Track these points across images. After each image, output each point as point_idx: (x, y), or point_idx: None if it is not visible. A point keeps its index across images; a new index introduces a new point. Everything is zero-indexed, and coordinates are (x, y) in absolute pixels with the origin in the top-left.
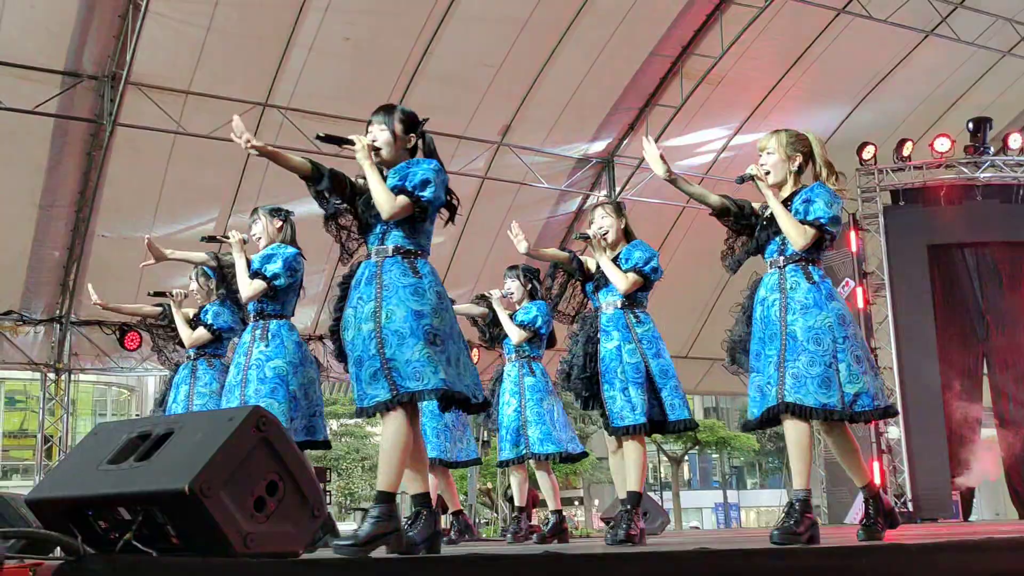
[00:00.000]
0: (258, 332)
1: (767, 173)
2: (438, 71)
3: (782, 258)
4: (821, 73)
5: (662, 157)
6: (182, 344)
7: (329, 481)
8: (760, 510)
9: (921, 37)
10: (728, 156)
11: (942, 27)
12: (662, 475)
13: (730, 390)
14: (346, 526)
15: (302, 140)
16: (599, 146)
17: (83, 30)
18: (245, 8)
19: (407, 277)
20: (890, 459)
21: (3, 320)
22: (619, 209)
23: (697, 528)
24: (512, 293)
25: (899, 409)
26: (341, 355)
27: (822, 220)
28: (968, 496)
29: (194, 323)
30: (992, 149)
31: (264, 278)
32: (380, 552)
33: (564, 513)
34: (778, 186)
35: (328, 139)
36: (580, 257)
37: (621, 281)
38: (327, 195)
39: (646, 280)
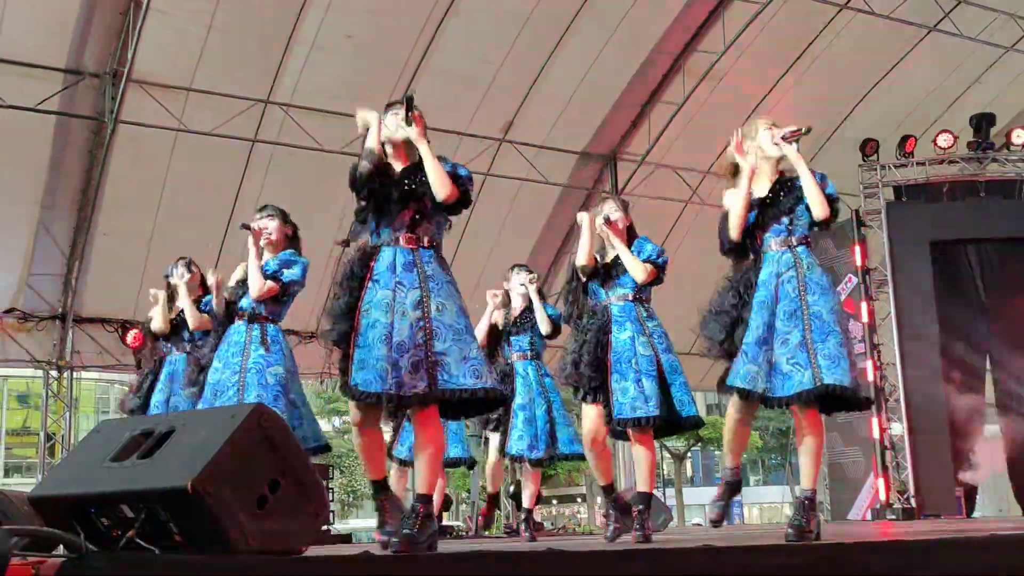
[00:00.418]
0: (255, 334)
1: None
2: (440, 68)
3: (793, 238)
4: (824, 69)
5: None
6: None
7: (331, 479)
8: (763, 506)
9: (924, 33)
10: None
11: (945, 23)
12: (665, 472)
13: None
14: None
15: (303, 138)
16: (602, 143)
17: (84, 28)
18: (246, 5)
19: (446, 273)
20: (893, 455)
21: (5, 318)
22: (626, 206)
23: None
24: (529, 292)
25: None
26: (342, 338)
27: (834, 197)
28: (971, 493)
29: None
30: (995, 145)
31: (280, 283)
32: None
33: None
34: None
35: (408, 104)
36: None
37: (640, 271)
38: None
39: (659, 272)
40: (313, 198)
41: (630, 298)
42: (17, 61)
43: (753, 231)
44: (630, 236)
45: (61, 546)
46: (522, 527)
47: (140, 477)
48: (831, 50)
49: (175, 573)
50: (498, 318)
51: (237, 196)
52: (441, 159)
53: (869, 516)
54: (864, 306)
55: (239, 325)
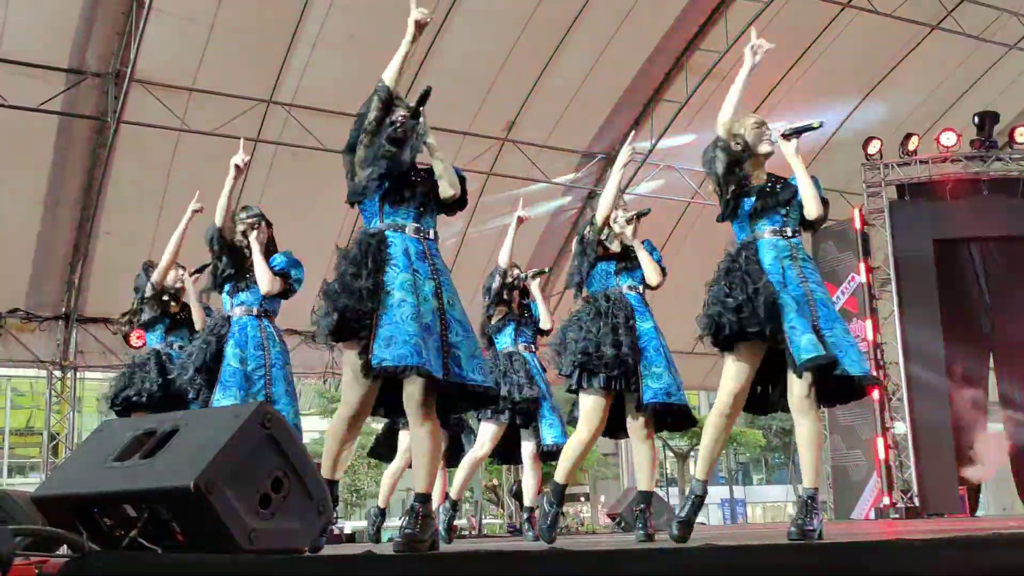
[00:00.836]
0: (269, 331)
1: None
2: (442, 67)
3: (789, 229)
4: (826, 68)
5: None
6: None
7: None
8: (766, 505)
9: (927, 31)
10: None
11: (948, 21)
12: (668, 471)
13: None
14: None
15: (306, 137)
16: (604, 141)
17: (87, 28)
18: (249, 5)
19: (447, 268)
20: (896, 454)
21: (9, 318)
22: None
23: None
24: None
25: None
26: (343, 323)
27: (825, 199)
28: (975, 491)
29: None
30: (998, 144)
31: (287, 280)
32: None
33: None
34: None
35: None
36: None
37: (657, 275)
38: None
39: (663, 279)
40: (315, 198)
41: (639, 291)
42: (20, 61)
43: (749, 219)
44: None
45: (64, 546)
46: (525, 526)
47: (143, 477)
48: (834, 48)
49: (178, 572)
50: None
51: (239, 196)
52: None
53: (872, 516)
54: (867, 305)
55: (249, 320)
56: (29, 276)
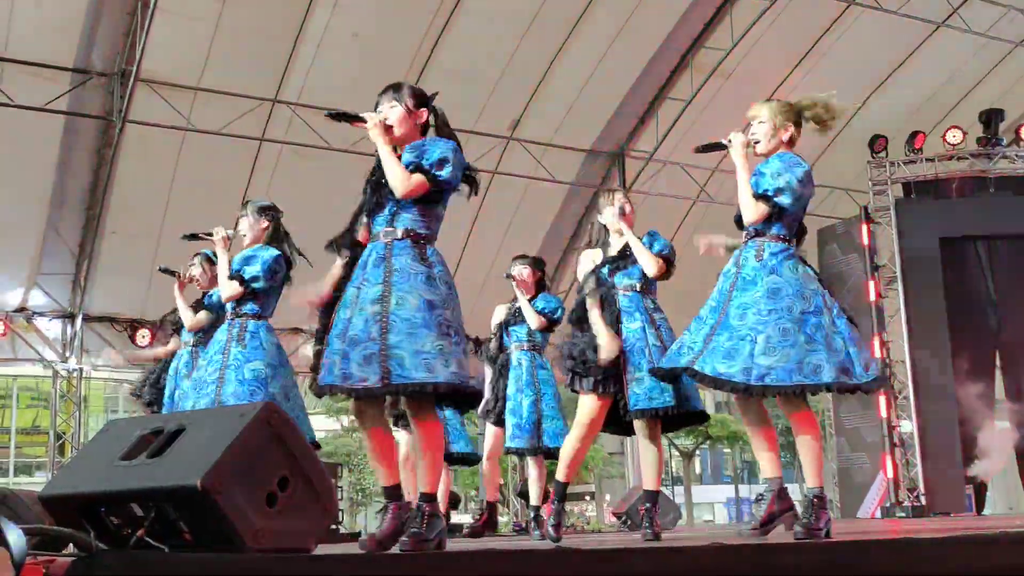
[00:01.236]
0: (235, 331)
1: (756, 142)
2: (447, 66)
3: (745, 235)
4: (832, 65)
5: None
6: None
7: (340, 477)
8: None
9: (932, 28)
10: None
11: (953, 18)
12: (673, 470)
13: None
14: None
15: (311, 136)
16: (609, 140)
17: (92, 27)
18: (254, 4)
19: (418, 264)
20: (902, 452)
21: (16, 317)
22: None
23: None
24: (525, 278)
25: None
26: (318, 338)
27: (768, 192)
28: (981, 490)
29: (196, 308)
30: (1005, 141)
31: (242, 280)
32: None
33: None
34: (766, 155)
35: (338, 117)
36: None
37: (652, 264)
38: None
39: (669, 267)
40: (321, 196)
41: (637, 288)
42: (26, 61)
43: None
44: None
45: (71, 545)
46: (531, 525)
47: (150, 476)
48: (839, 46)
49: (185, 571)
50: (501, 312)
51: (245, 195)
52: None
53: (879, 514)
54: (873, 302)
55: (224, 324)
56: (35, 276)
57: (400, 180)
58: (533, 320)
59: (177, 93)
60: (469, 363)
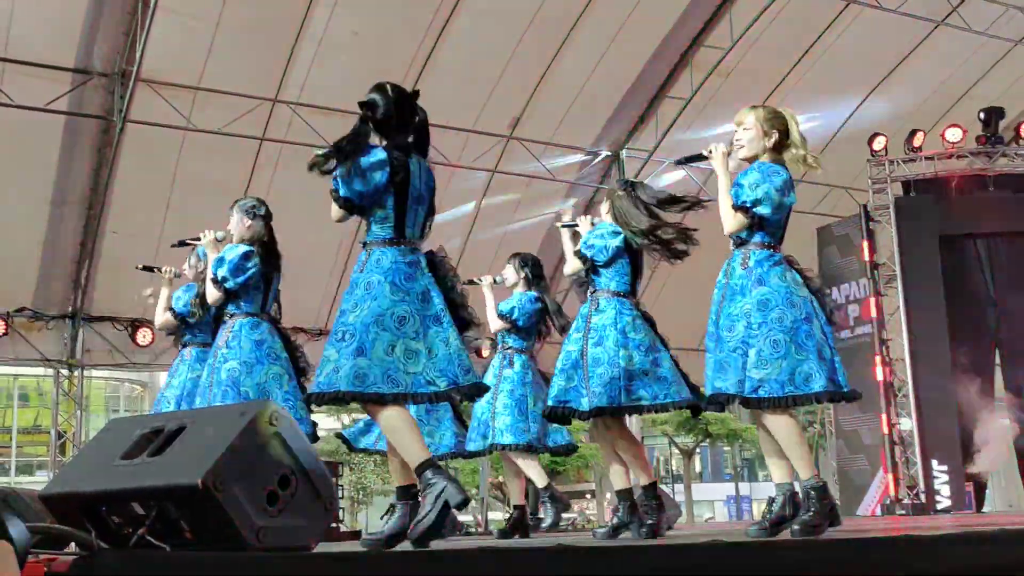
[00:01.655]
0: (223, 332)
1: (740, 147)
2: (447, 65)
3: (731, 244)
4: (831, 64)
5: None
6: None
7: (341, 475)
8: None
9: (932, 27)
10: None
11: (953, 17)
12: (673, 468)
13: None
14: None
15: (311, 136)
16: (609, 139)
17: (93, 27)
18: (254, 4)
19: (366, 272)
20: (902, 450)
21: (16, 317)
22: (608, 194)
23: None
24: (506, 280)
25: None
26: None
27: (746, 203)
28: (981, 487)
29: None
30: (1004, 139)
31: (215, 283)
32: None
33: (525, 508)
34: (751, 161)
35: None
36: None
37: (571, 264)
38: None
39: (587, 264)
40: (322, 196)
41: (596, 294)
42: (26, 61)
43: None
44: None
45: (73, 544)
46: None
47: (150, 474)
48: (839, 44)
49: (186, 570)
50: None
51: (246, 194)
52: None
53: (879, 512)
54: (873, 301)
55: (221, 326)
56: (36, 275)
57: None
58: (493, 322)
59: (177, 93)
60: (369, 361)
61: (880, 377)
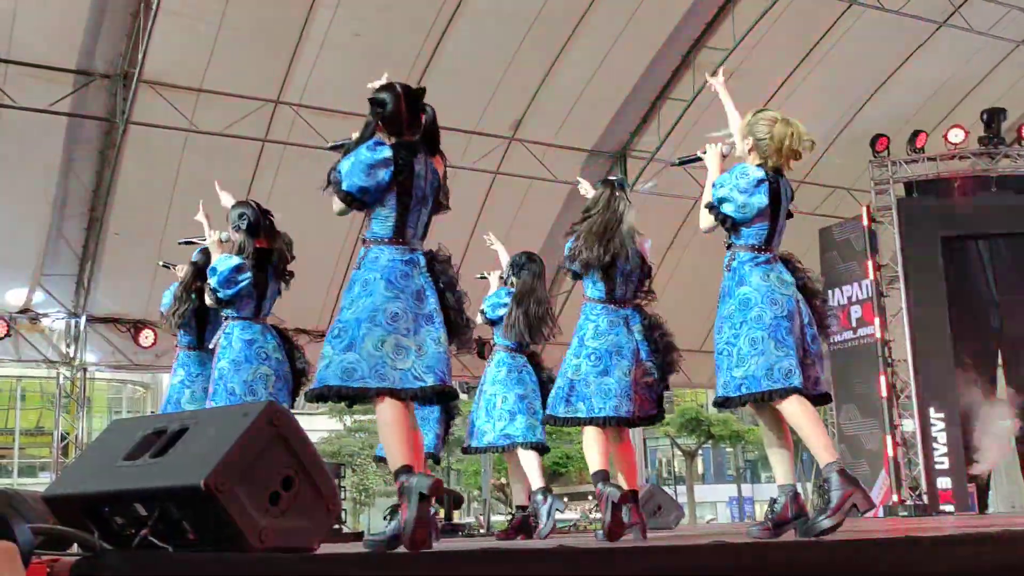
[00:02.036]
0: (219, 338)
1: (732, 146)
2: (449, 66)
3: (725, 243)
4: (834, 65)
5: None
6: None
7: (343, 477)
8: None
9: (934, 28)
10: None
11: (955, 17)
12: (676, 469)
13: None
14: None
15: (314, 137)
16: (611, 140)
17: (95, 29)
18: (256, 5)
19: (365, 269)
20: (904, 451)
21: (19, 318)
22: (599, 185)
23: (714, 519)
24: (487, 276)
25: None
26: None
27: (712, 202)
28: (984, 488)
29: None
30: (1006, 140)
31: (210, 290)
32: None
33: (528, 508)
34: (738, 162)
35: (336, 148)
36: None
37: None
38: None
39: (572, 274)
40: (323, 198)
41: (593, 301)
42: (29, 63)
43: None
44: None
45: (75, 545)
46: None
47: (153, 475)
48: (841, 45)
49: (189, 571)
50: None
51: (248, 196)
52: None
53: (881, 513)
54: (876, 303)
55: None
56: (38, 276)
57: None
58: (478, 317)
59: (180, 94)
60: (356, 356)
61: (883, 378)
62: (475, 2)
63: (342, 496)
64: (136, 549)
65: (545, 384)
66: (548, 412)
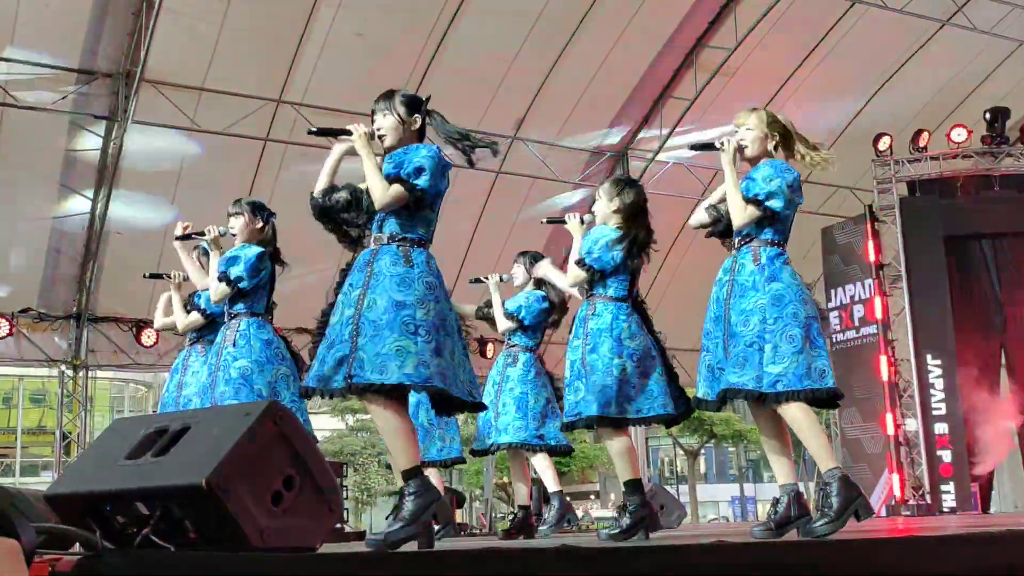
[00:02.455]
0: (227, 332)
1: (744, 148)
2: (451, 65)
3: (738, 240)
4: (836, 64)
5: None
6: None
7: (345, 476)
8: None
9: (937, 27)
10: None
11: (958, 16)
12: (678, 468)
13: None
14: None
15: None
16: (613, 139)
17: (97, 28)
18: (258, 4)
19: (397, 267)
20: (908, 451)
21: (21, 317)
22: (612, 189)
23: (716, 519)
24: (514, 278)
25: (840, 395)
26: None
27: (759, 196)
28: (987, 488)
29: (188, 307)
30: (1009, 139)
31: (228, 281)
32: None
33: (530, 508)
34: (753, 161)
35: (322, 132)
36: None
37: (568, 276)
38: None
39: (589, 272)
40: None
41: (589, 301)
42: (31, 62)
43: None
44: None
45: (77, 544)
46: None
47: (155, 475)
48: (844, 45)
49: (190, 570)
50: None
51: (250, 195)
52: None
53: (884, 513)
54: (878, 302)
55: (223, 326)
56: (41, 276)
57: (379, 192)
58: (501, 322)
59: (182, 93)
60: (443, 362)
61: (885, 378)
62: (477, 1)
63: (344, 495)
64: (138, 548)
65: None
66: (596, 413)
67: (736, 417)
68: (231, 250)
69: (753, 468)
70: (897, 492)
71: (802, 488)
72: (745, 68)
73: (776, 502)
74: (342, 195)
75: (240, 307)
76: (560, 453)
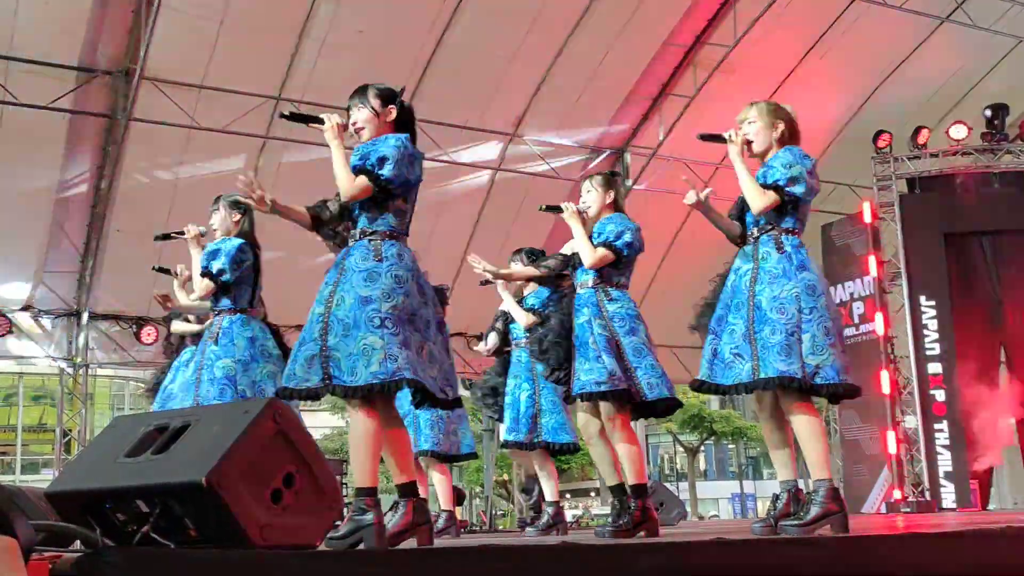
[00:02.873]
0: (212, 330)
1: (751, 142)
2: (451, 62)
3: (756, 229)
4: (835, 61)
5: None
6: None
7: (345, 474)
8: None
9: (936, 23)
10: None
11: (958, 13)
12: (678, 465)
13: None
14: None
15: (315, 134)
16: (612, 137)
17: (97, 25)
18: (258, 1)
19: (366, 261)
20: (907, 448)
21: (21, 315)
22: (607, 182)
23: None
24: (492, 282)
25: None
26: None
27: (779, 182)
28: (986, 486)
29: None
30: (1009, 136)
31: (210, 276)
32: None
33: (561, 504)
34: (761, 155)
35: (294, 117)
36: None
37: (589, 257)
38: (336, 226)
39: (617, 255)
40: (324, 194)
41: (591, 284)
42: (30, 59)
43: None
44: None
45: (77, 541)
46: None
47: (155, 472)
48: (843, 41)
49: (191, 568)
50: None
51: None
52: (351, 148)
53: (883, 510)
54: (878, 299)
55: (208, 323)
56: (40, 273)
57: (344, 184)
58: (521, 318)
59: (181, 91)
60: (411, 355)
61: (885, 375)
62: None
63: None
64: (138, 546)
65: None
66: (664, 394)
67: (736, 414)
68: (211, 244)
69: (753, 465)
70: (896, 489)
71: (802, 485)
72: (744, 66)
73: (776, 499)
74: (332, 205)
75: (225, 303)
76: (568, 452)
